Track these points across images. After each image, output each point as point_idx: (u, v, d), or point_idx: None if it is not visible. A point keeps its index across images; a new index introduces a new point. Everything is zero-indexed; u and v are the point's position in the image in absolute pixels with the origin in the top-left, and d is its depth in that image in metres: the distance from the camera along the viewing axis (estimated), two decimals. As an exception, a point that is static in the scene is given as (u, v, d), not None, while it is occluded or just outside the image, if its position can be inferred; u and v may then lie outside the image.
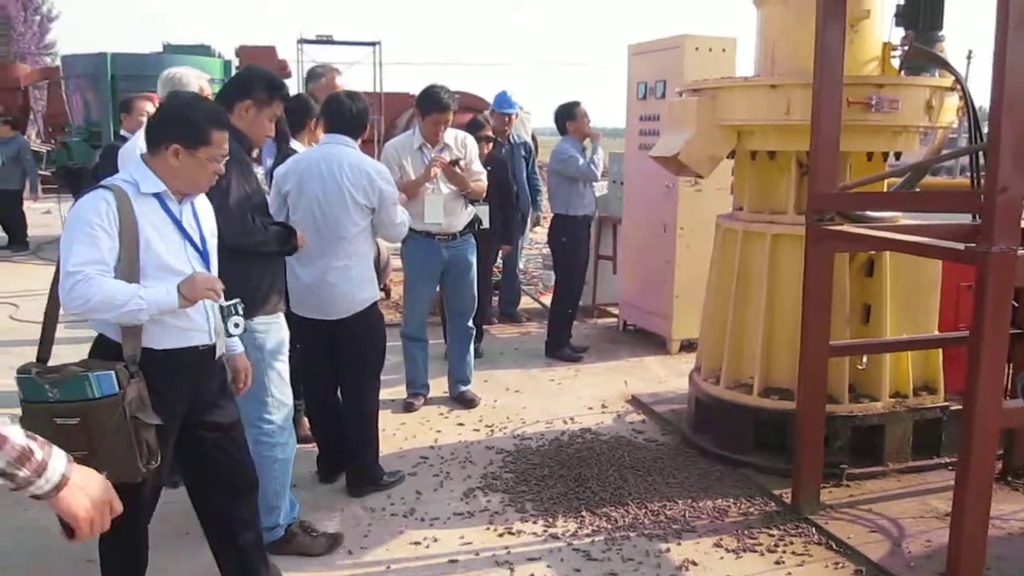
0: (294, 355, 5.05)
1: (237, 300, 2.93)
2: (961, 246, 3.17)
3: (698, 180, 5.95)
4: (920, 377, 4.68)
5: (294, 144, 4.74)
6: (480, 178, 5.57)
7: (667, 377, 6.32)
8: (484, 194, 5.61)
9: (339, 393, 4.41)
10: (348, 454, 4.37)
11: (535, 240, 13.39)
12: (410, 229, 5.40)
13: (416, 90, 7.88)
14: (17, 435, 1.59)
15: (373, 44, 20.83)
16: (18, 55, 32.96)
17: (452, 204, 5.43)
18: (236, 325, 2.93)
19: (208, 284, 2.71)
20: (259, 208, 3.50)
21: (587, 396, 5.92)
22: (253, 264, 3.42)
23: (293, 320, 4.42)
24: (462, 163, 5.48)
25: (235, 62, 20.89)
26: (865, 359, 4.58)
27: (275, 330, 3.59)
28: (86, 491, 1.69)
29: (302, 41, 20.46)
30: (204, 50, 19.97)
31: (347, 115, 4.18)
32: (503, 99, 7.62)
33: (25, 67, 21.16)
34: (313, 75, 5.09)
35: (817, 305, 3.95)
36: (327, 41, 20.76)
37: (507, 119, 7.55)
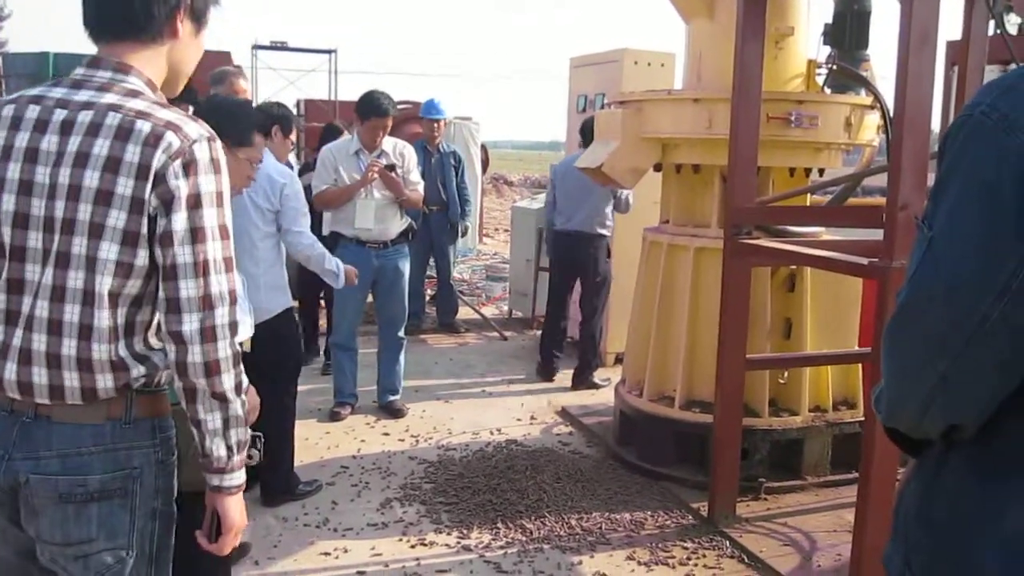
0: None
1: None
2: (865, 261, 3.20)
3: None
4: (840, 392, 4.72)
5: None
6: (417, 188, 5.54)
7: (599, 390, 6.32)
8: (420, 205, 5.58)
9: (255, 401, 4.33)
10: (262, 463, 4.28)
11: (482, 251, 13.42)
12: (340, 235, 5.41)
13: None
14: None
15: (329, 52, 20.72)
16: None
17: (384, 211, 5.38)
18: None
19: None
20: None
21: (517, 408, 5.89)
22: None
23: None
24: (399, 170, 5.44)
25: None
26: (786, 373, 4.62)
27: None
28: (243, 508, 1.83)
29: (257, 47, 20.32)
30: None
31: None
32: (430, 106, 7.58)
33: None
34: (215, 78, 4.97)
35: (734, 318, 3.97)
36: (282, 47, 20.62)
37: (436, 126, 7.50)
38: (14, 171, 1.63)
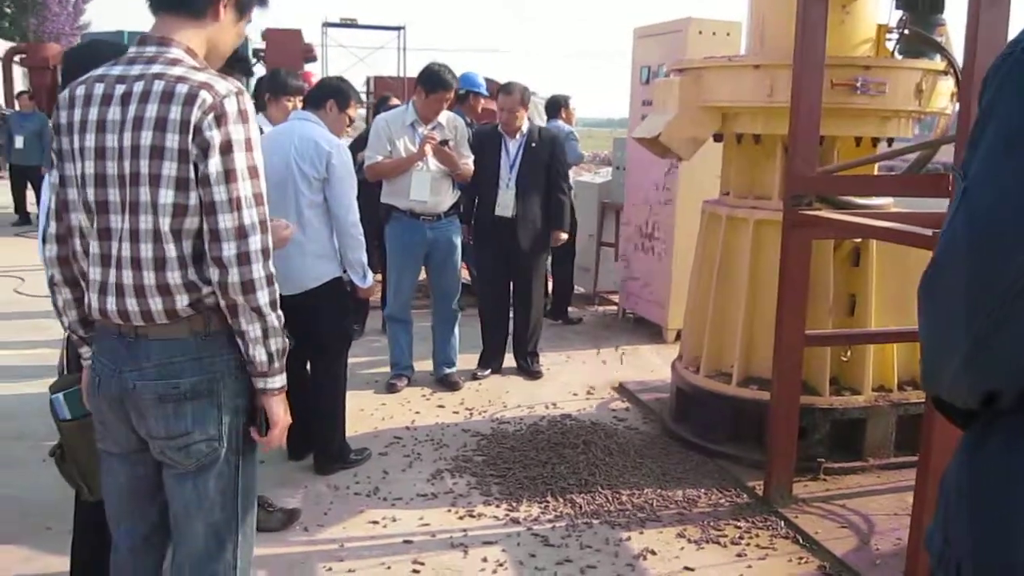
0: None
1: None
2: (929, 231, 3.04)
3: (681, 163, 5.81)
4: (906, 371, 4.54)
5: (262, 122, 4.72)
6: (467, 162, 5.50)
7: (659, 366, 6.21)
8: (470, 178, 5.53)
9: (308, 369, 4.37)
10: (315, 430, 4.33)
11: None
12: (394, 208, 5.40)
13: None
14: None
15: (398, 28, 20.79)
16: (51, 35, 33.38)
17: (438, 184, 5.36)
18: None
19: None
20: None
21: (574, 382, 5.84)
22: None
23: None
24: (450, 143, 5.41)
25: (260, 45, 20.99)
26: (849, 351, 4.46)
27: None
28: (287, 406, 2.14)
29: (327, 24, 20.48)
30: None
31: (313, 92, 4.16)
32: (467, 79, 7.42)
33: (55, 47, 21.38)
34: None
35: (793, 292, 3.83)
36: (351, 25, 20.76)
37: (474, 100, 7.31)
38: (91, 140, 1.96)
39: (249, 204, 1.96)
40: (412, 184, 5.27)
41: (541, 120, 11.44)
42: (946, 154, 4.54)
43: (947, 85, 4.29)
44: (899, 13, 4.38)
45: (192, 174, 1.91)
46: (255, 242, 1.97)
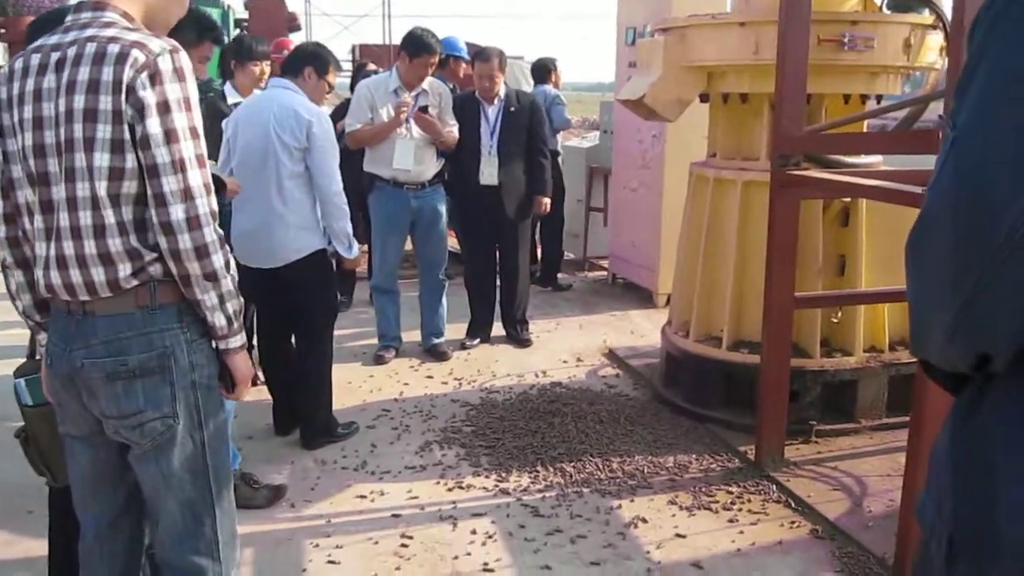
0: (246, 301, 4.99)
1: None
2: (920, 189, 2.97)
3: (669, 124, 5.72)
4: (898, 331, 4.50)
5: (228, 90, 4.61)
6: (452, 129, 5.40)
7: (649, 331, 6.16)
8: (454, 146, 5.42)
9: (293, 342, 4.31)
10: (301, 405, 4.28)
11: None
12: (377, 177, 5.31)
13: None
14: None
15: (382, -5, 20.56)
16: (32, 9, 32.89)
17: (422, 152, 5.26)
18: None
19: None
20: None
21: (563, 350, 5.78)
22: None
23: (241, 268, 4.32)
24: (433, 110, 5.31)
25: (243, 15, 20.70)
26: (840, 312, 4.41)
27: None
28: (248, 362, 2.13)
29: (310, -8, 20.24)
30: (213, 2, 19.78)
31: (290, 59, 4.05)
32: (448, 43, 7.26)
33: (30, 19, 21.06)
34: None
35: (781, 253, 3.77)
36: (335, -8, 20.53)
37: (455, 64, 7.16)
38: (28, 111, 1.92)
39: (192, 165, 1.89)
40: (395, 152, 5.18)
41: (528, 85, 11.32)
42: (936, 111, 4.47)
43: (936, 40, 4.20)
44: (886, -33, 4.29)
45: (127, 135, 1.85)
46: (203, 204, 1.91)
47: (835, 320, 4.42)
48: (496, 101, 5.58)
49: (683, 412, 4.57)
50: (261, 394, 4.54)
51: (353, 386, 5.05)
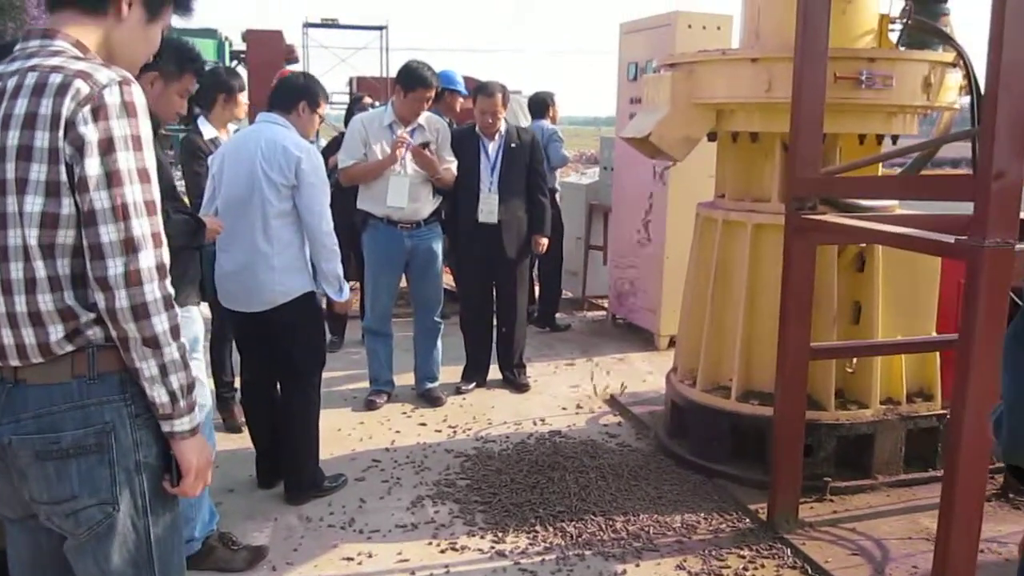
0: (219, 344, 4.76)
1: None
2: (951, 239, 2.77)
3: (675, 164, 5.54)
4: (915, 382, 4.28)
5: (202, 124, 4.42)
6: (450, 166, 5.21)
7: (651, 375, 5.94)
8: (452, 184, 5.23)
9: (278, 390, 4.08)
10: (286, 458, 4.04)
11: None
12: (370, 215, 5.11)
13: None
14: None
15: (380, 28, 20.54)
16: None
17: (417, 189, 5.07)
18: None
19: None
20: (163, 193, 3.10)
21: (562, 395, 5.55)
22: None
23: (225, 311, 4.10)
24: (431, 147, 5.13)
25: (241, 46, 20.69)
26: (855, 362, 4.20)
27: (187, 325, 3.20)
28: (203, 449, 1.84)
29: (308, 25, 20.20)
30: (210, 33, 19.78)
31: (279, 92, 3.85)
32: (445, 77, 7.12)
33: None
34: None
35: (796, 302, 3.56)
36: (332, 25, 20.50)
37: (453, 98, 7.00)
38: None
39: (139, 212, 1.66)
40: (389, 189, 4.98)
41: (526, 120, 11.16)
42: (951, 150, 4.29)
43: (955, 78, 4.03)
44: (902, 2, 4.13)
45: (64, 177, 1.63)
46: (147, 257, 1.67)
47: (850, 370, 4.21)
48: (497, 137, 5.40)
49: (690, 465, 4.33)
50: (244, 442, 4.32)
51: (342, 434, 4.81)
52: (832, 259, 4.09)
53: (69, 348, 1.70)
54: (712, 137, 4.41)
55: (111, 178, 1.63)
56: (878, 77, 3.71)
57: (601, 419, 5.16)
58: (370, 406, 5.24)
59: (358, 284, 6.04)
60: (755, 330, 4.22)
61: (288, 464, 4.01)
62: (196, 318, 3.31)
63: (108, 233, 1.63)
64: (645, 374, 6.02)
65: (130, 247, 1.64)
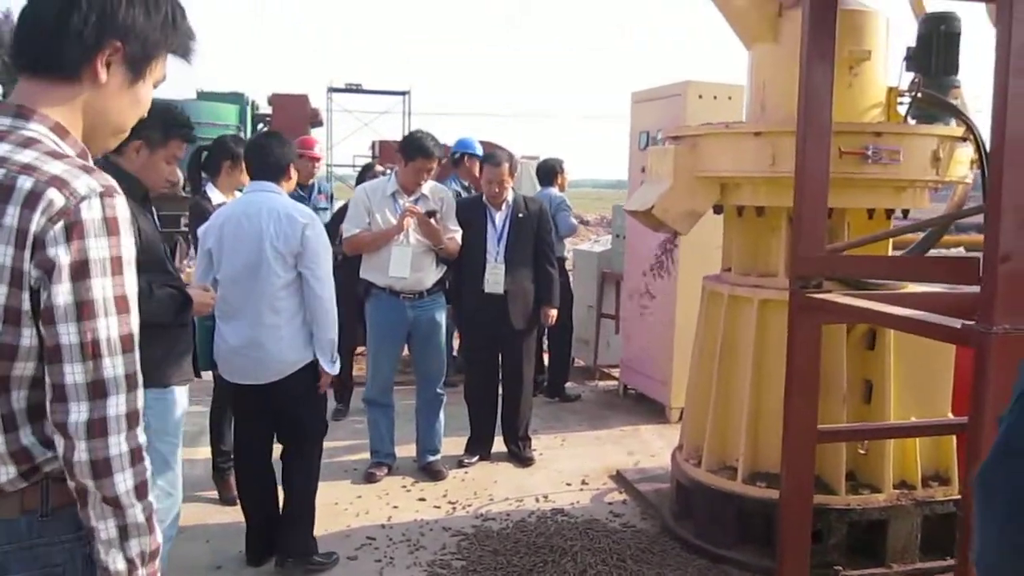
0: (219, 414, 4.68)
1: None
2: (959, 323, 2.65)
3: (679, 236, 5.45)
4: (930, 465, 4.12)
5: (210, 190, 4.41)
6: (455, 236, 5.16)
7: (661, 449, 5.77)
8: (456, 254, 5.17)
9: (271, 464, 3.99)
10: (281, 525, 3.96)
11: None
12: (373, 285, 5.05)
13: (449, 140, 7.57)
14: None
15: (403, 93, 20.84)
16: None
17: (421, 259, 5.01)
18: None
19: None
20: (150, 266, 2.97)
21: (568, 470, 5.40)
22: (143, 328, 2.95)
23: (222, 383, 4.03)
24: (437, 216, 5.09)
25: (266, 109, 21.04)
26: (867, 443, 4.04)
27: (165, 407, 3.08)
28: None
29: (332, 89, 20.53)
30: (237, 97, 20.15)
31: (269, 159, 3.82)
32: (463, 143, 7.20)
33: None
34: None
35: (802, 383, 3.43)
36: (356, 89, 20.81)
37: (469, 163, 7.04)
38: None
39: (112, 350, 1.42)
40: (391, 259, 4.93)
41: (535, 186, 11.18)
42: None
43: (966, 152, 3.95)
44: (911, 75, 4.06)
45: (27, 305, 1.40)
46: (116, 404, 1.42)
47: (862, 451, 4.05)
48: (504, 206, 5.36)
49: (695, 549, 4.16)
50: (237, 515, 4.21)
51: (339, 508, 4.68)
52: (841, 336, 3.97)
53: (22, 485, 1.48)
54: (718, 210, 4.33)
55: (81, 309, 1.40)
56: (884, 152, 3.63)
57: (606, 496, 5.00)
58: (369, 479, 5.12)
59: (365, 351, 5.97)
60: (762, 408, 4.08)
61: (283, 531, 3.93)
62: (180, 400, 3.20)
63: (74, 374, 1.40)
64: (655, 448, 5.86)
65: (98, 391, 1.41)
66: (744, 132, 3.92)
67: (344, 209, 6.28)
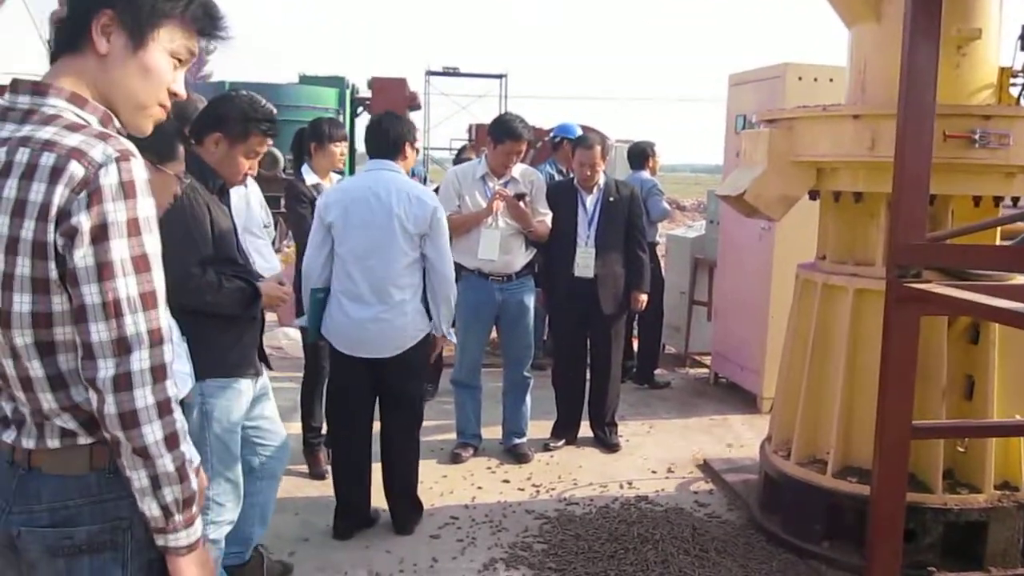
0: (310, 390, 4.81)
1: None
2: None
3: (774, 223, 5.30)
4: (1036, 466, 3.91)
5: (305, 172, 4.51)
6: (544, 219, 5.15)
7: (750, 440, 5.66)
8: (547, 237, 5.16)
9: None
10: (395, 502, 4.22)
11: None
12: (462, 267, 5.08)
13: (544, 123, 7.59)
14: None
15: (500, 76, 20.88)
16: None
17: (510, 242, 5.02)
18: None
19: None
20: (220, 258, 3.01)
21: (654, 457, 5.35)
22: (210, 316, 2.97)
23: (332, 358, 4.13)
24: (527, 199, 5.08)
25: (366, 93, 21.41)
26: (967, 440, 3.87)
27: (229, 397, 3.07)
28: (204, 566, 1.64)
29: (430, 73, 20.73)
30: (337, 81, 20.54)
31: (386, 137, 3.94)
32: (563, 128, 7.17)
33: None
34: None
35: (898, 377, 3.29)
36: (454, 73, 20.92)
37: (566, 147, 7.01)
38: None
39: (134, 307, 1.48)
40: (481, 242, 4.96)
41: (625, 169, 11.07)
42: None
43: (1084, 137, 3.71)
44: (1025, 55, 3.85)
45: (55, 274, 1.47)
46: (140, 359, 1.49)
47: (961, 449, 3.89)
48: (595, 190, 5.32)
49: (781, 542, 4.07)
50: (326, 490, 4.32)
51: (424, 487, 4.71)
52: (942, 328, 3.81)
53: (88, 440, 1.58)
54: (813, 196, 4.20)
55: (102, 270, 1.46)
56: (993, 136, 3.45)
57: (692, 485, 4.93)
58: (455, 459, 5.17)
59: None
60: (855, 401, 3.95)
61: (398, 485, 4.21)
62: (245, 391, 3.16)
63: (98, 332, 1.47)
64: (745, 438, 5.76)
65: (122, 348, 1.48)
66: (842, 115, 3.78)
67: (435, 192, 6.35)
